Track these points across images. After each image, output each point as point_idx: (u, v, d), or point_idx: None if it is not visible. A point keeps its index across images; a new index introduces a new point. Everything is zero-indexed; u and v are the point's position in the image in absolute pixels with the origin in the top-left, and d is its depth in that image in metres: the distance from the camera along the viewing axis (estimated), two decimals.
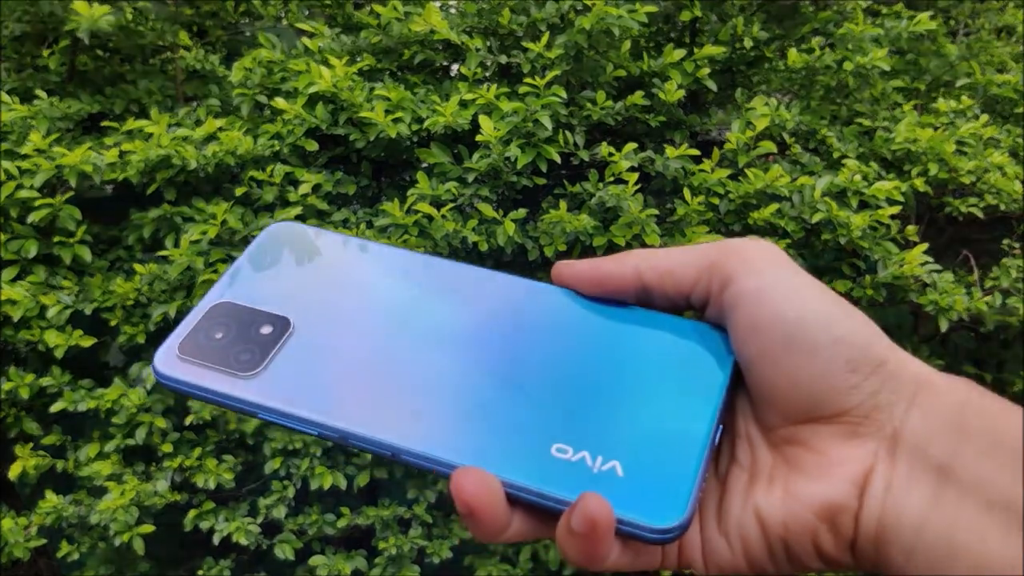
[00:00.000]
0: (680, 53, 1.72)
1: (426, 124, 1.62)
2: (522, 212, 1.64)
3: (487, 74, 1.77)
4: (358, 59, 1.79)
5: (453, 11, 1.86)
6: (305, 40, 1.77)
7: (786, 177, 1.67)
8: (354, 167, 1.80)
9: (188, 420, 1.59)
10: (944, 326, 1.70)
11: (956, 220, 2.03)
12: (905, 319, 2.28)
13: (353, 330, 0.33)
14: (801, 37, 1.99)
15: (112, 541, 1.56)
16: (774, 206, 1.66)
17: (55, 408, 1.56)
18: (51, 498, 1.58)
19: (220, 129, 1.65)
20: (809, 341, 0.29)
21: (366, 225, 1.65)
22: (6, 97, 1.64)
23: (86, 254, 1.61)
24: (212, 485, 1.60)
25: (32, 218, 1.54)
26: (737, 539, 0.30)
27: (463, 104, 1.65)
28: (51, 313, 1.55)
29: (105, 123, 1.71)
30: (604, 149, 1.63)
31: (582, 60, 1.73)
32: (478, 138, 1.59)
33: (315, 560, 1.69)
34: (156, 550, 1.79)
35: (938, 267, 1.72)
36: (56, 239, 1.59)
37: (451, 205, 1.61)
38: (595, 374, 0.32)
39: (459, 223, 1.60)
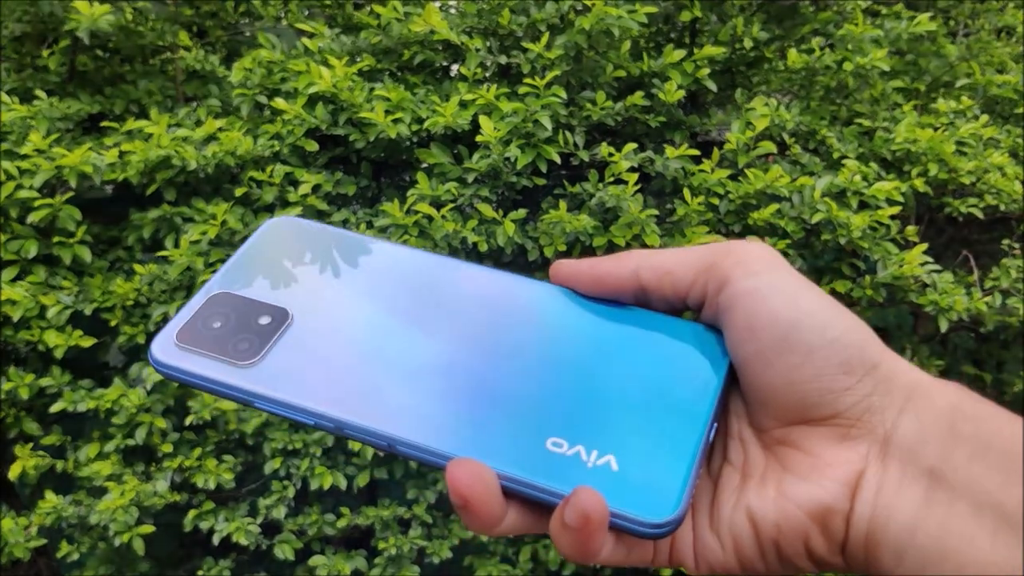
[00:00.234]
0: (680, 53, 1.72)
1: (426, 124, 1.62)
2: (522, 212, 1.64)
3: (487, 74, 1.77)
4: (358, 59, 1.79)
5: (453, 11, 1.86)
6: (305, 40, 1.77)
7: (786, 177, 1.67)
8: (354, 167, 1.80)
9: (188, 420, 1.59)
10: (944, 326, 1.70)
11: (956, 220, 2.03)
12: (905, 319, 2.28)
13: (351, 323, 0.34)
14: (801, 38, 1.99)
15: (112, 541, 1.56)
16: (774, 206, 1.66)
17: (55, 408, 1.56)
18: (51, 498, 1.58)
19: (220, 129, 1.65)
20: (803, 343, 0.29)
21: (366, 225, 1.65)
22: (6, 97, 1.64)
23: (86, 254, 1.61)
24: (212, 485, 1.60)
25: (32, 218, 1.54)
26: (728, 538, 0.30)
27: (463, 104, 1.65)
28: (51, 313, 1.56)
29: (105, 123, 1.72)
30: (604, 149, 1.63)
31: (582, 60, 1.73)
32: (478, 138, 1.59)
33: (315, 560, 1.70)
34: (156, 550, 1.79)
35: (938, 267, 1.72)
36: (56, 239, 1.59)
37: (451, 205, 1.61)
38: (591, 371, 0.32)
39: (459, 223, 1.60)
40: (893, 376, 0.29)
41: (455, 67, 1.86)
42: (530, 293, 0.35)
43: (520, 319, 0.34)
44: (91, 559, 1.69)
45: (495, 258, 1.74)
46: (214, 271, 1.62)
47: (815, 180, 1.69)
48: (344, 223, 1.67)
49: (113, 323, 1.60)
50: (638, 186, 1.61)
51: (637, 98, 1.67)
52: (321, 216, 1.69)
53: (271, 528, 1.70)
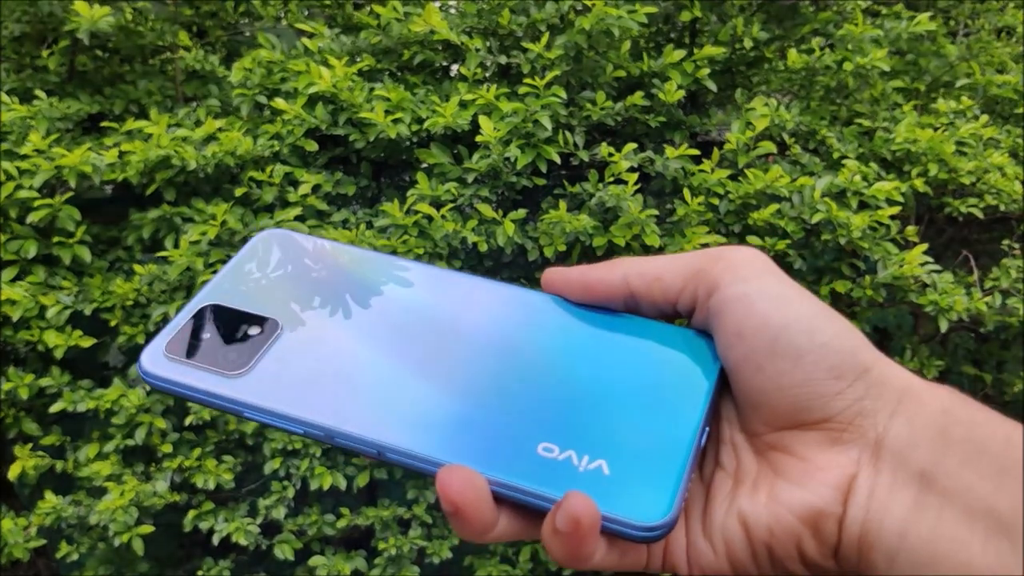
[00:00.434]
0: (680, 54, 1.72)
1: (426, 124, 1.62)
2: (522, 212, 1.64)
3: (487, 74, 1.77)
4: (358, 59, 1.79)
5: (453, 11, 1.86)
6: (305, 40, 1.77)
7: (786, 177, 1.67)
8: (354, 167, 1.80)
9: (188, 420, 1.59)
10: (944, 326, 1.70)
11: (956, 220, 2.03)
12: (905, 319, 2.28)
13: (340, 333, 0.34)
14: (801, 38, 1.99)
15: (111, 541, 1.56)
16: (774, 206, 1.66)
17: (54, 408, 1.56)
18: (50, 498, 1.58)
19: (220, 129, 1.65)
20: (794, 347, 0.29)
21: (366, 226, 1.65)
22: (6, 97, 1.64)
23: (86, 254, 1.61)
24: (212, 485, 1.60)
25: (32, 218, 1.54)
26: (721, 543, 0.30)
27: (463, 104, 1.65)
28: (51, 313, 1.55)
29: (105, 123, 1.71)
30: (604, 149, 1.63)
31: (582, 60, 1.73)
32: (478, 138, 1.59)
33: (315, 560, 1.69)
34: (156, 550, 1.79)
35: (938, 267, 1.72)
36: (56, 239, 1.59)
37: (451, 205, 1.61)
38: (582, 377, 0.32)
39: (459, 223, 1.60)
40: (885, 380, 0.29)
41: (455, 67, 1.86)
42: (520, 301, 0.35)
43: (510, 326, 0.34)
44: (91, 559, 1.69)
45: (495, 258, 1.74)
46: (214, 271, 1.62)
47: (815, 180, 1.69)
48: (344, 223, 1.67)
49: (113, 323, 1.60)
50: (638, 186, 1.61)
51: (637, 98, 1.67)
52: (321, 216, 1.69)
53: (271, 528, 1.70)
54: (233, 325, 0.34)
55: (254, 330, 0.33)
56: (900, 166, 1.83)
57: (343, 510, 1.73)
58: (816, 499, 0.28)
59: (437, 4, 1.77)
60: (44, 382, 1.58)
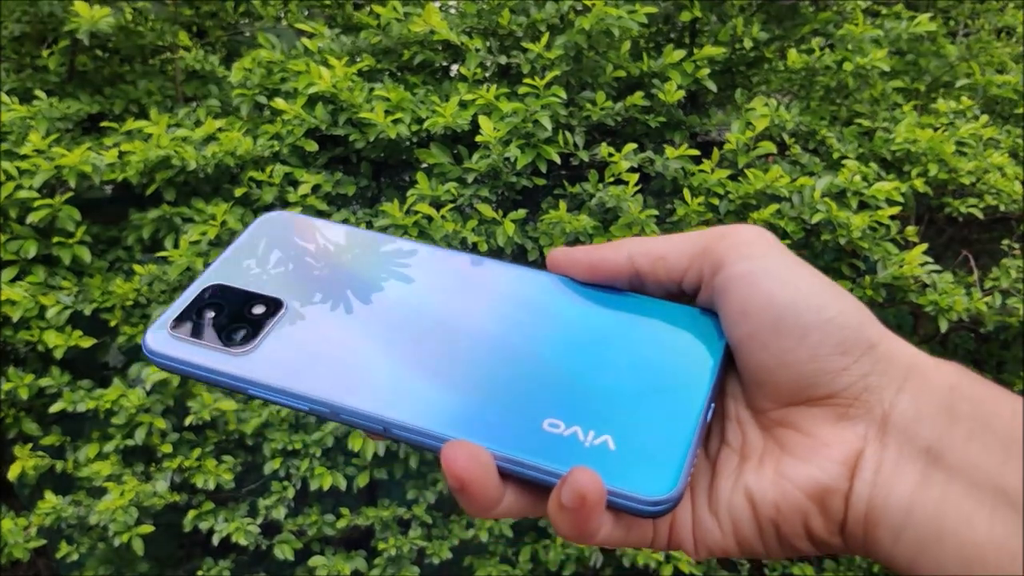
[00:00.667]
0: (680, 54, 1.72)
1: (426, 125, 1.62)
2: (522, 213, 1.64)
3: (487, 74, 1.77)
4: (358, 59, 1.79)
5: (453, 11, 1.86)
6: (305, 40, 1.77)
7: (786, 178, 1.67)
8: (354, 167, 1.80)
9: (188, 420, 1.59)
10: (944, 326, 1.70)
11: (956, 221, 2.03)
12: (905, 320, 2.28)
13: (344, 311, 0.34)
14: (801, 38, 1.99)
15: (111, 541, 1.56)
16: (774, 207, 1.66)
17: (54, 408, 1.56)
18: (50, 499, 1.58)
19: (220, 130, 1.65)
20: (800, 323, 0.29)
21: (366, 225, 1.65)
22: (6, 97, 1.64)
23: (85, 255, 1.61)
24: (211, 486, 1.60)
25: (31, 218, 1.54)
26: (727, 520, 0.30)
27: (463, 105, 1.65)
28: (50, 313, 1.55)
29: (104, 123, 1.71)
30: (604, 150, 1.63)
31: (582, 61, 1.73)
32: (478, 139, 1.59)
33: (315, 561, 1.69)
34: (155, 550, 1.79)
35: (938, 267, 1.72)
36: (55, 239, 1.59)
37: (451, 206, 1.61)
38: (588, 354, 0.32)
39: (459, 224, 1.60)
40: (891, 356, 0.29)
41: (455, 67, 1.86)
42: (525, 280, 0.35)
43: (515, 305, 0.34)
44: (90, 559, 1.69)
45: (495, 258, 1.73)
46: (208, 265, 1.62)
47: (815, 180, 1.69)
48: (344, 223, 1.67)
49: (113, 323, 1.60)
50: (638, 186, 1.61)
51: (637, 98, 1.67)
52: (321, 216, 1.69)
53: (271, 528, 1.70)
54: (237, 304, 0.34)
55: (258, 309, 0.34)
56: (900, 166, 1.83)
57: (343, 510, 1.73)
58: (822, 475, 0.28)
59: (437, 4, 1.77)
60: (44, 382, 1.58)
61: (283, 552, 1.67)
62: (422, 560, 1.76)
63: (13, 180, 1.54)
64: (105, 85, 1.87)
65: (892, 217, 1.69)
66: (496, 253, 1.67)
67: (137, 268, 1.60)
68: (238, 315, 0.33)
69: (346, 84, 1.63)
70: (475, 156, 1.63)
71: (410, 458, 1.72)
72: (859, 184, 1.68)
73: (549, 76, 1.62)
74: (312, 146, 1.69)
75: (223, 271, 0.35)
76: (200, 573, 1.71)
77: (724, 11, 1.96)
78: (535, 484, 0.29)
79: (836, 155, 1.80)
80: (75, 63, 1.87)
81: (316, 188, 1.67)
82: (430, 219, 1.58)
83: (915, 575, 0.26)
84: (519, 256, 1.71)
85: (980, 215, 1.84)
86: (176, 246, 1.60)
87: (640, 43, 1.98)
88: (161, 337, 0.33)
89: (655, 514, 0.28)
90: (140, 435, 1.58)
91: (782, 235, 1.68)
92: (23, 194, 1.54)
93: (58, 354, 1.55)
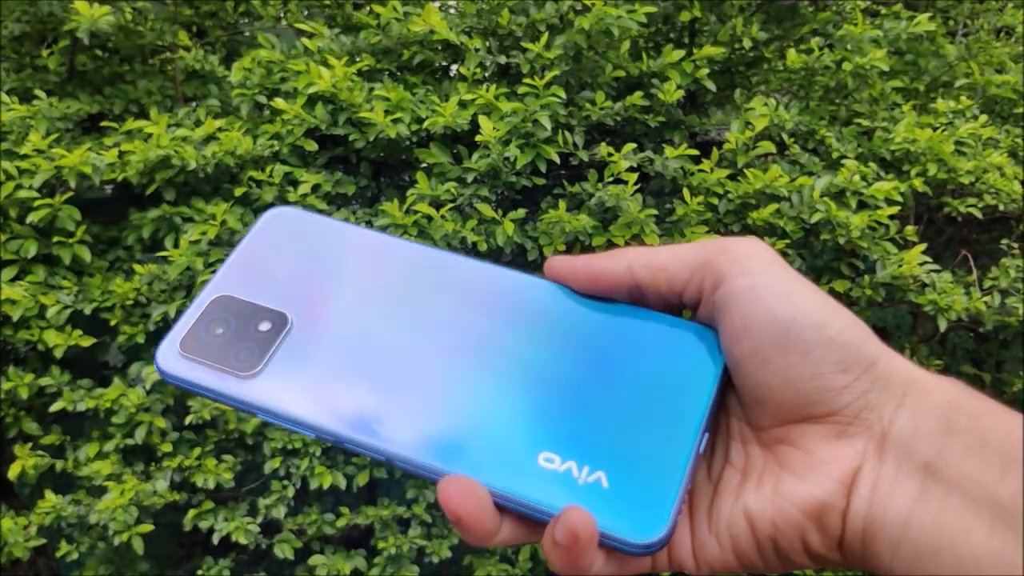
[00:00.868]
0: (679, 54, 1.72)
1: (426, 124, 1.62)
2: (521, 212, 1.64)
3: (486, 74, 1.77)
4: (357, 59, 1.79)
5: (453, 11, 1.86)
6: (304, 40, 1.77)
7: (785, 177, 1.67)
8: (354, 167, 1.80)
9: (188, 420, 1.59)
10: (943, 326, 1.70)
11: (955, 220, 2.03)
12: (904, 319, 2.28)
13: (348, 327, 0.34)
14: (800, 38, 1.99)
15: (111, 541, 1.56)
16: (773, 206, 1.66)
17: (54, 408, 1.56)
18: (50, 498, 1.59)
19: (220, 129, 1.65)
20: (801, 341, 0.29)
21: (366, 225, 1.65)
22: (6, 97, 1.64)
23: (85, 254, 1.61)
24: (211, 485, 1.60)
25: (32, 218, 1.54)
26: (727, 538, 0.30)
27: (462, 104, 1.65)
28: (51, 313, 1.56)
29: (104, 123, 1.72)
30: (603, 149, 1.63)
31: (581, 60, 1.73)
32: (477, 138, 1.59)
33: (315, 560, 1.70)
34: (156, 550, 1.79)
35: (937, 267, 1.72)
36: (55, 239, 1.60)
37: (450, 205, 1.61)
38: (586, 379, 0.32)
39: (458, 223, 1.60)
40: (890, 373, 0.29)
41: (455, 67, 1.86)
42: (529, 295, 0.35)
43: (519, 324, 0.34)
44: (90, 559, 1.69)
45: (494, 258, 1.74)
46: (214, 271, 1.62)
47: (814, 180, 1.69)
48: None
49: (113, 323, 1.61)
50: (637, 186, 1.61)
51: (636, 98, 1.67)
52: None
53: (271, 527, 1.70)
54: (244, 319, 0.34)
55: (264, 325, 0.34)
56: (899, 166, 1.83)
57: (343, 509, 1.73)
58: (820, 492, 0.29)
59: (437, 4, 1.77)
60: (44, 381, 1.58)
61: (283, 551, 1.67)
62: (422, 559, 1.77)
63: (13, 180, 1.55)
64: (105, 85, 1.87)
65: (891, 217, 1.69)
66: (496, 252, 1.68)
67: (137, 268, 1.60)
68: (244, 332, 0.33)
69: (346, 84, 1.63)
70: (475, 156, 1.63)
71: None
72: (858, 184, 1.68)
73: (549, 76, 1.63)
74: (312, 146, 1.69)
75: (229, 279, 0.35)
76: (200, 572, 1.71)
77: (723, 11, 1.97)
78: (531, 518, 0.30)
79: (835, 155, 1.80)
80: (75, 63, 1.87)
81: (316, 188, 1.67)
82: (430, 219, 1.58)
83: None
84: (519, 255, 1.71)
85: (979, 215, 1.85)
86: (176, 246, 1.60)
87: (639, 43, 1.98)
88: (172, 357, 0.33)
89: (645, 554, 0.29)
90: (140, 434, 1.58)
91: (781, 234, 1.68)
92: (23, 194, 1.54)
93: (58, 353, 1.55)
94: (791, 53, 1.84)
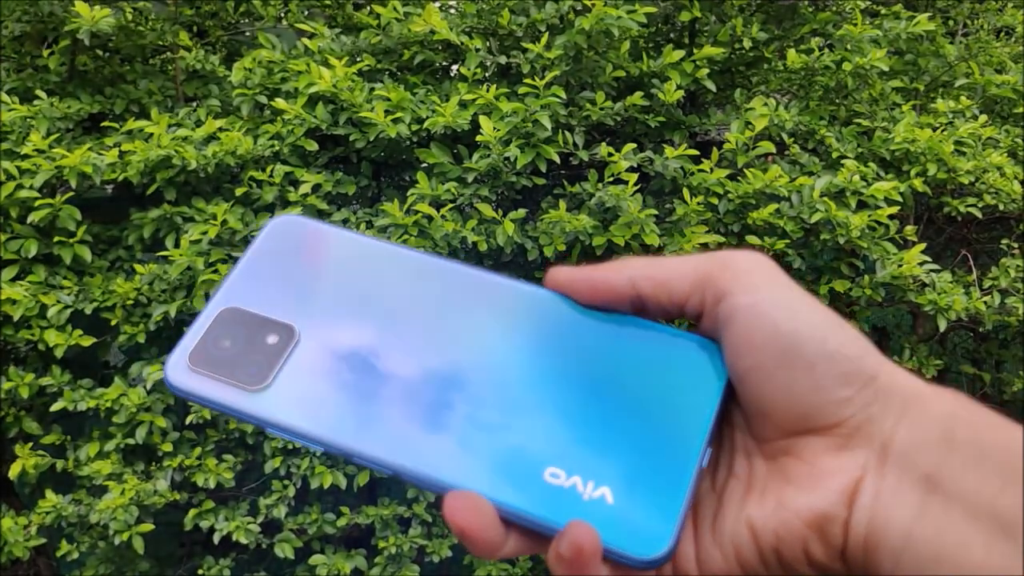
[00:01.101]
0: (679, 54, 1.73)
1: (426, 124, 1.62)
2: (521, 212, 1.65)
3: (487, 74, 1.78)
4: (358, 59, 1.79)
5: (453, 11, 1.87)
6: (305, 40, 1.77)
7: (785, 177, 1.67)
8: (354, 167, 1.80)
9: (188, 419, 1.59)
10: (943, 326, 1.70)
11: (955, 220, 2.04)
12: (904, 319, 2.28)
13: (355, 340, 0.34)
14: (800, 38, 2.00)
15: (112, 540, 1.56)
16: (773, 206, 1.66)
17: (55, 407, 1.56)
18: (51, 497, 1.59)
19: (220, 129, 1.65)
20: (804, 356, 0.30)
21: (366, 225, 1.65)
22: (6, 97, 1.64)
23: (86, 254, 1.61)
24: (212, 484, 1.60)
25: (32, 218, 1.54)
26: (730, 549, 0.30)
27: (463, 104, 1.66)
28: (51, 313, 1.56)
29: (105, 123, 1.72)
30: (603, 149, 1.63)
31: (581, 61, 1.73)
32: (478, 138, 1.60)
33: (315, 559, 1.70)
34: (156, 549, 1.79)
35: (936, 267, 1.73)
36: (56, 239, 1.60)
37: (451, 205, 1.62)
38: (591, 393, 0.33)
39: (459, 223, 1.61)
40: (891, 386, 0.30)
41: (455, 67, 1.86)
42: (535, 306, 0.35)
43: (525, 339, 0.34)
44: (91, 558, 1.70)
45: (494, 258, 1.74)
46: (214, 271, 1.62)
47: (814, 180, 1.69)
48: (344, 223, 1.68)
49: (113, 322, 1.61)
50: (637, 186, 1.61)
51: (636, 98, 1.67)
52: (321, 216, 1.69)
53: (271, 527, 1.71)
54: (251, 332, 0.34)
55: (272, 338, 0.34)
56: (899, 166, 1.83)
57: (343, 509, 1.73)
58: (822, 503, 0.29)
59: (437, 4, 1.78)
60: (44, 381, 1.58)
61: (284, 551, 1.68)
62: (422, 558, 1.77)
63: (14, 180, 1.55)
64: (105, 85, 1.87)
65: (891, 216, 1.69)
66: (496, 252, 1.68)
67: (138, 267, 1.60)
68: (252, 346, 0.34)
69: (346, 84, 1.63)
70: (475, 156, 1.64)
71: None
72: (858, 183, 1.69)
73: (549, 76, 1.63)
74: (312, 146, 1.69)
75: (236, 290, 0.35)
76: (201, 572, 1.72)
77: (723, 11, 1.97)
78: (537, 533, 0.30)
79: (835, 155, 1.81)
80: (76, 63, 1.87)
81: (316, 187, 1.67)
82: (430, 219, 1.58)
83: None
84: (519, 255, 1.71)
85: (979, 214, 1.85)
86: (177, 245, 1.60)
87: (639, 43, 1.98)
88: (181, 370, 0.33)
89: (648, 569, 0.29)
90: (141, 434, 1.58)
91: (781, 234, 1.68)
92: (24, 194, 1.54)
93: (59, 353, 1.55)
94: (791, 53, 1.84)
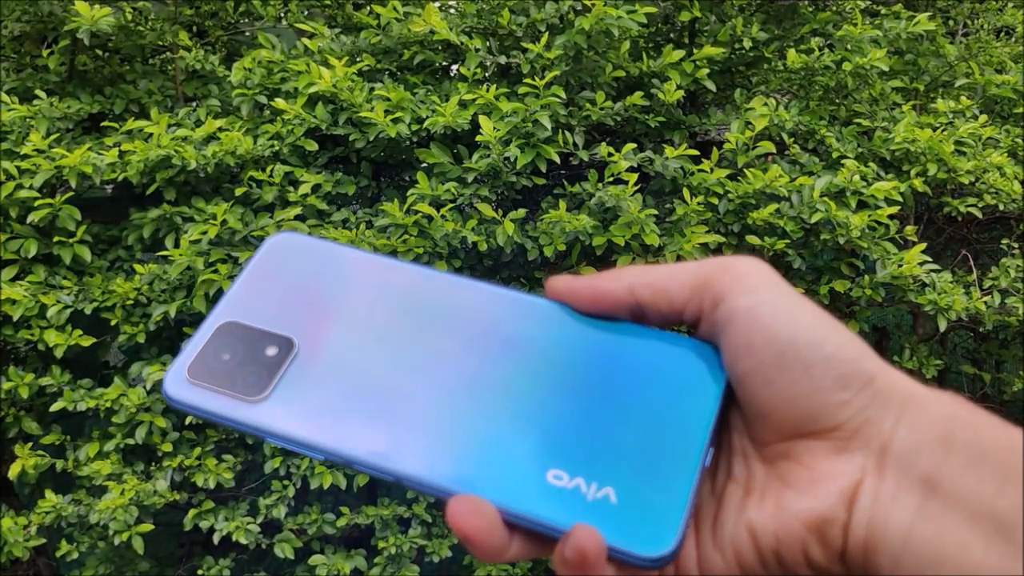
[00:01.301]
0: (679, 54, 1.73)
1: (426, 124, 1.62)
2: (521, 212, 1.65)
3: (487, 74, 1.78)
4: (358, 59, 1.79)
5: (453, 11, 1.87)
6: (305, 40, 1.77)
7: (785, 177, 1.67)
8: (354, 167, 1.80)
9: (188, 419, 1.59)
10: (943, 326, 1.70)
11: (955, 220, 2.04)
12: (904, 319, 2.28)
13: (353, 351, 0.34)
14: (800, 38, 2.00)
15: (112, 540, 1.56)
16: (773, 206, 1.66)
17: (55, 408, 1.56)
18: (51, 497, 1.59)
19: (220, 129, 1.65)
20: (802, 359, 0.30)
21: (366, 225, 1.65)
22: (6, 97, 1.64)
23: (86, 254, 1.61)
24: (212, 484, 1.60)
25: (32, 218, 1.54)
26: (731, 552, 0.31)
27: (463, 104, 1.66)
28: (51, 313, 1.56)
29: (105, 123, 1.72)
30: (603, 149, 1.63)
31: (581, 61, 1.73)
32: (478, 138, 1.60)
33: (315, 559, 1.70)
34: (156, 549, 1.79)
35: (937, 267, 1.73)
36: (56, 239, 1.60)
37: (451, 205, 1.62)
38: (592, 395, 0.33)
39: (459, 223, 1.61)
40: (889, 388, 0.30)
41: (455, 67, 1.86)
42: (534, 315, 0.35)
43: (523, 345, 0.34)
44: (90, 558, 1.70)
45: (494, 257, 1.74)
46: (214, 271, 1.62)
47: (814, 180, 1.69)
48: (344, 223, 1.68)
49: (113, 322, 1.61)
50: (637, 186, 1.61)
51: (636, 98, 1.67)
52: (321, 215, 1.69)
53: (271, 527, 1.71)
54: (251, 345, 0.34)
55: (271, 350, 0.34)
56: (899, 166, 1.83)
57: (343, 509, 1.73)
58: (821, 506, 0.29)
59: (437, 4, 1.78)
60: (44, 381, 1.58)
61: (283, 551, 1.68)
62: (422, 558, 1.77)
63: (13, 180, 1.55)
64: (105, 85, 1.87)
65: (891, 216, 1.69)
66: (496, 252, 1.68)
67: (137, 267, 1.60)
68: (251, 358, 0.34)
69: (346, 84, 1.63)
70: (475, 156, 1.64)
71: None
72: (858, 183, 1.69)
73: (549, 76, 1.63)
74: (312, 146, 1.69)
75: (235, 305, 0.36)
76: (200, 572, 1.72)
77: (723, 11, 1.97)
78: (541, 536, 0.30)
79: (835, 155, 1.81)
80: (75, 63, 1.87)
81: (316, 188, 1.67)
82: (430, 219, 1.58)
83: None
84: (519, 255, 1.71)
85: (979, 214, 1.85)
86: (176, 245, 1.60)
87: (639, 43, 1.98)
88: (180, 383, 0.33)
89: (654, 568, 0.29)
90: (140, 434, 1.58)
91: (781, 234, 1.68)
92: (24, 194, 1.54)
93: (58, 353, 1.55)
94: (791, 53, 1.84)
